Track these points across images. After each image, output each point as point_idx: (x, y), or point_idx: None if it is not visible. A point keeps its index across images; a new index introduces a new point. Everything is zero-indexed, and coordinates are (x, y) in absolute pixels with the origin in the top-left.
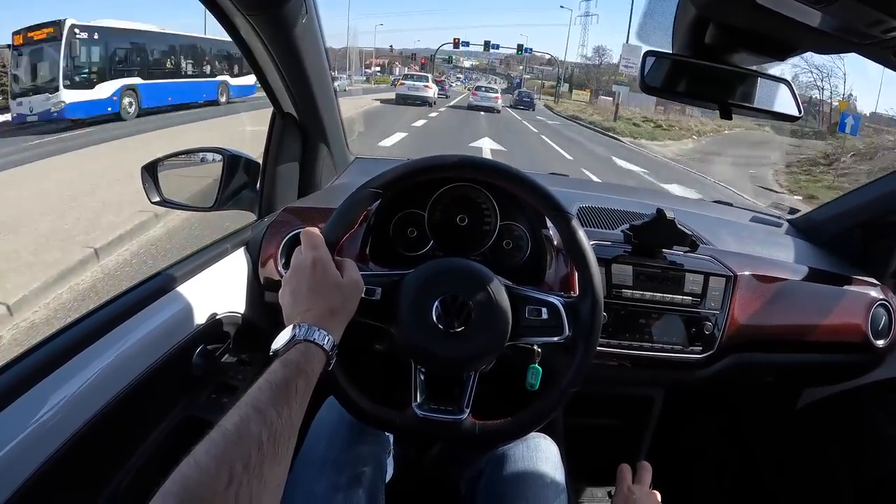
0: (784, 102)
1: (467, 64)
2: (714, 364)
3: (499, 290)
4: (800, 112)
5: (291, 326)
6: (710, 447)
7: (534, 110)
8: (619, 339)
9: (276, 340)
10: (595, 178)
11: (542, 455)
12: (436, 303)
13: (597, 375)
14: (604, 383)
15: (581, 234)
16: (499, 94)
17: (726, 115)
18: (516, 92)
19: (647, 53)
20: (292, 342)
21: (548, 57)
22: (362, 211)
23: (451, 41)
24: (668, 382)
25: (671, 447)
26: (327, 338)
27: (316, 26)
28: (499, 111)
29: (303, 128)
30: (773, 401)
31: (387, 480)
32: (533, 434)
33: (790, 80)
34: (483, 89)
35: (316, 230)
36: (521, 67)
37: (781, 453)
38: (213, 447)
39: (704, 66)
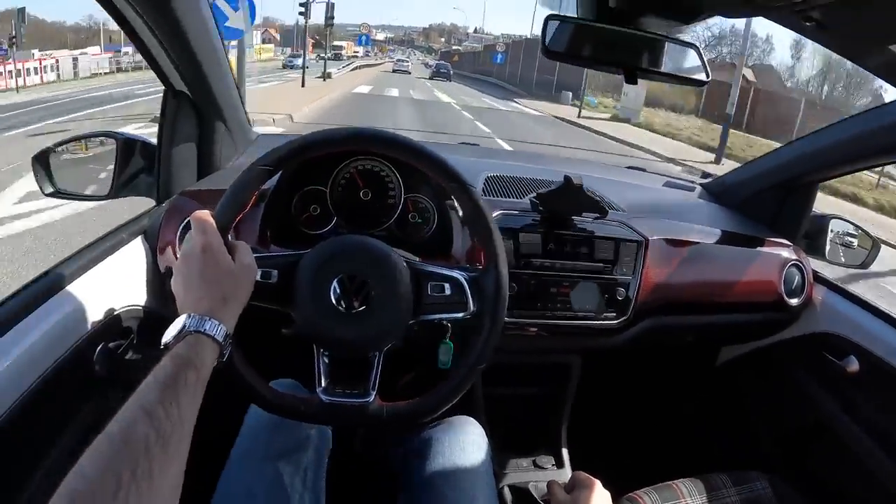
0: (692, 67)
1: (380, 36)
2: (630, 329)
3: (398, 266)
4: (708, 76)
5: (182, 317)
6: (631, 409)
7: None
8: (530, 309)
9: (166, 333)
10: (506, 146)
11: (466, 438)
12: (334, 283)
13: (511, 345)
14: (519, 353)
15: (482, 204)
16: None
17: (632, 79)
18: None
19: (549, 17)
20: (182, 334)
21: (471, 28)
22: (254, 190)
23: None
24: (585, 349)
25: (592, 412)
26: (219, 327)
27: None
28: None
29: (197, 106)
30: (691, 360)
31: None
32: (456, 416)
33: (698, 45)
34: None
35: (206, 213)
36: (442, 39)
37: (702, 411)
38: (98, 455)
39: (609, 31)
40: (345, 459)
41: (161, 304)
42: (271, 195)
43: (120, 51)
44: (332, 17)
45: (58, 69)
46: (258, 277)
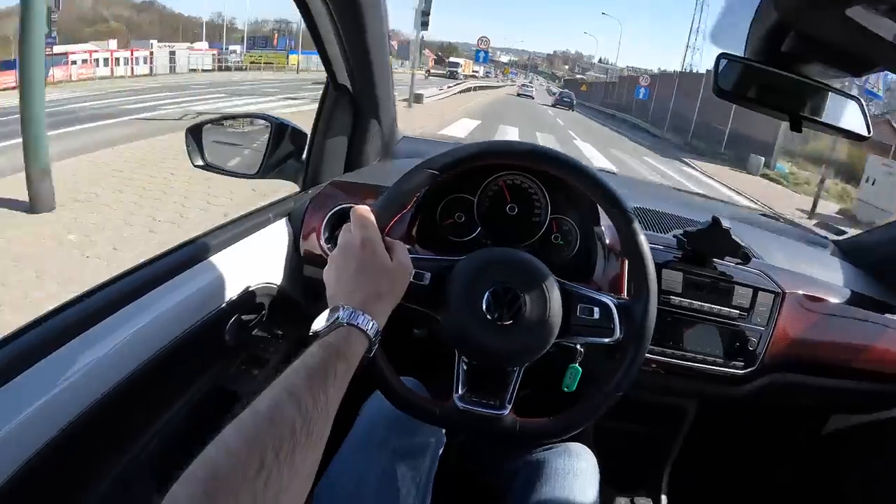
0: (853, 121)
1: (504, 59)
2: (754, 381)
3: (552, 285)
4: (869, 132)
5: (334, 308)
6: (734, 465)
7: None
8: (661, 346)
9: (316, 321)
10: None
11: (580, 466)
12: (487, 293)
13: None
14: (636, 388)
15: (642, 236)
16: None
17: (796, 127)
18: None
19: (721, 56)
20: (334, 324)
21: (596, 58)
22: (417, 192)
23: None
24: (703, 395)
25: (696, 461)
26: (371, 323)
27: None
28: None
29: (356, 101)
30: (800, 425)
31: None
32: (572, 443)
33: (860, 99)
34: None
35: (367, 208)
36: (566, 67)
37: (803, 479)
38: (245, 431)
39: (777, 75)
40: (447, 470)
41: (296, 286)
42: (422, 198)
43: (221, 48)
44: (428, 13)
45: (151, 62)
46: (411, 278)
